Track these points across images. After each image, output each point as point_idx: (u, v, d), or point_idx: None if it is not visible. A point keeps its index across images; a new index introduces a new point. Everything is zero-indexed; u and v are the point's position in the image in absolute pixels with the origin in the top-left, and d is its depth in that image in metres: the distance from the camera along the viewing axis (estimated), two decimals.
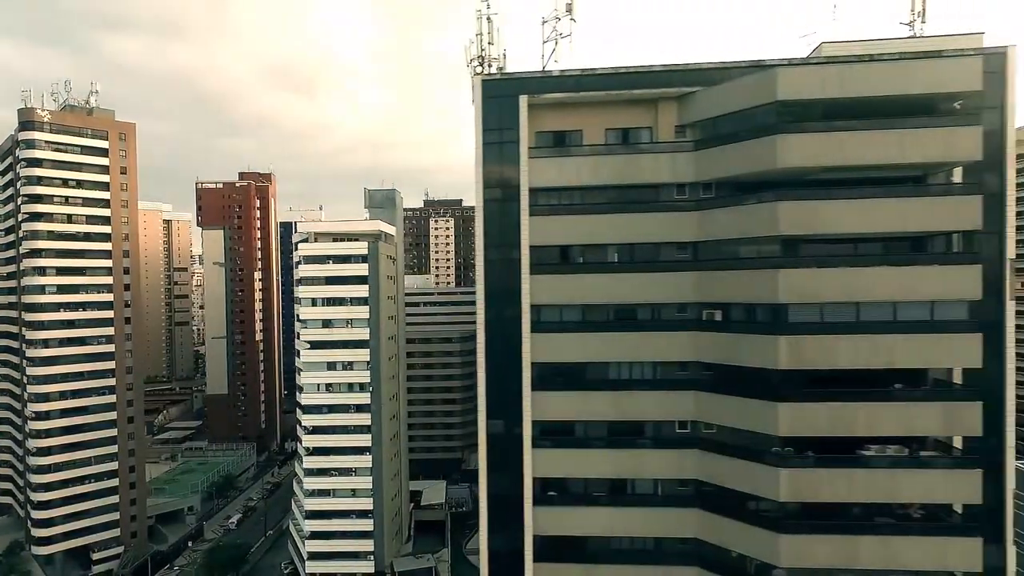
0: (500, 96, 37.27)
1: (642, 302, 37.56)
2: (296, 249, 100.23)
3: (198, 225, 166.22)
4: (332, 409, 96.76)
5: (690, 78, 36.28)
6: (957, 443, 35.44)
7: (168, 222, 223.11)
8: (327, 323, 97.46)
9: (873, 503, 34.17)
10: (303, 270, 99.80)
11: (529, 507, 37.54)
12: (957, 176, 35.63)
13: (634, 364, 37.90)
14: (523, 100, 36.92)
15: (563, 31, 38.58)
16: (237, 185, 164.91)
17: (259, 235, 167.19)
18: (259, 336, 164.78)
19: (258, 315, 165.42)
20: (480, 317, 37.76)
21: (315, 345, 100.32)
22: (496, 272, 37.68)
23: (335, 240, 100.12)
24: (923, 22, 43.04)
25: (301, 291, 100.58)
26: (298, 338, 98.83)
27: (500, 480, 37.76)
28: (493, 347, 37.71)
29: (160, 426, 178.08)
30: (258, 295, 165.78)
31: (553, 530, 37.94)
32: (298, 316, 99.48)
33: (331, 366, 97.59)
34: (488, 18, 38.90)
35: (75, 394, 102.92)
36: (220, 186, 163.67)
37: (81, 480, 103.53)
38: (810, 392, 33.33)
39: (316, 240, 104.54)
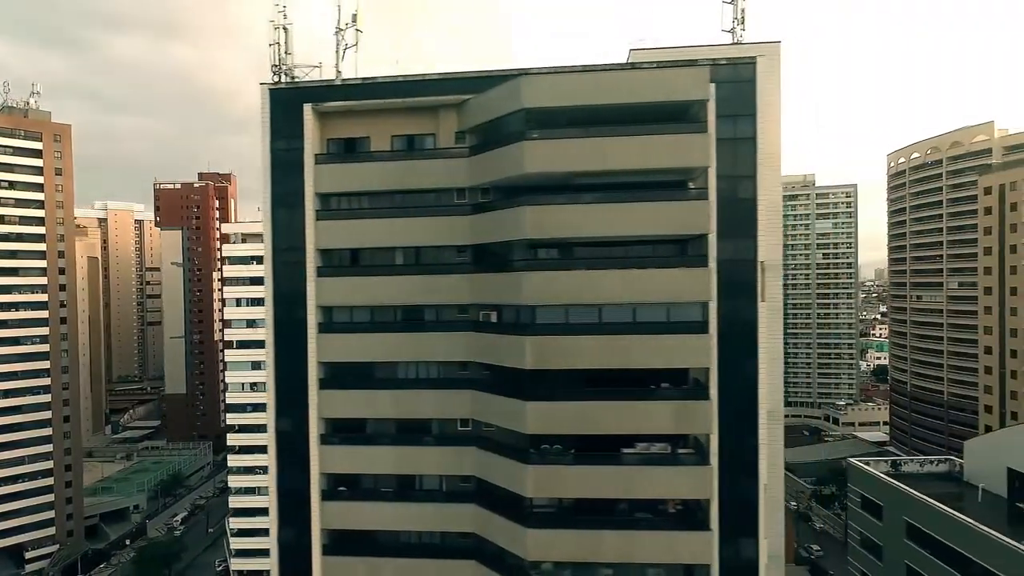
0: (287, 104, 38.47)
1: (426, 303, 38.67)
2: (220, 250, 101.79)
3: (156, 226, 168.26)
4: (256, 408, 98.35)
5: (465, 86, 37.35)
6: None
7: (140, 222, 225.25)
8: (251, 323, 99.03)
9: (636, 499, 35.19)
10: (227, 271, 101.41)
11: (316, 502, 38.74)
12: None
13: (420, 364, 39.06)
14: (307, 108, 38.10)
15: (350, 41, 39.77)
16: (195, 185, 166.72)
17: (218, 235, 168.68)
18: (217, 336, 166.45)
19: (217, 315, 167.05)
20: (269, 319, 38.98)
21: (241, 344, 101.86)
22: (285, 274, 38.90)
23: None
24: (743, 29, 44.24)
25: (226, 291, 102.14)
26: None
27: (291, 476, 38.96)
28: (281, 347, 38.93)
29: (123, 425, 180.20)
30: (216, 295, 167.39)
31: (340, 524, 39.16)
32: (223, 316, 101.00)
33: (255, 365, 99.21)
34: (284, 28, 40.09)
35: (7, 394, 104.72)
36: (178, 187, 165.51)
37: (13, 480, 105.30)
38: (559, 391, 34.42)
39: (244, 240, 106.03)
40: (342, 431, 39.56)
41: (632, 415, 33.89)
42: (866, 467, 55.06)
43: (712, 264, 34.93)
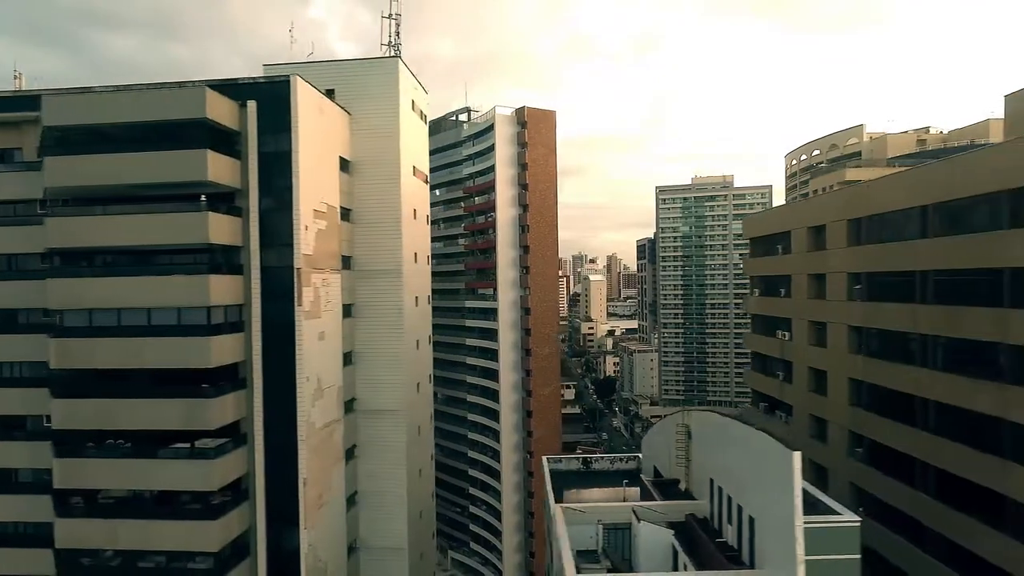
0: None
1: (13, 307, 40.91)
2: None
3: None
4: None
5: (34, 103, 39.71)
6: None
7: None
8: None
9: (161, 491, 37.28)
10: None
11: None
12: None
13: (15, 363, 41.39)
14: None
15: None
16: None
17: None
18: None
19: None
20: None
21: None
22: None
23: None
24: (397, 53, 47.00)
25: None
26: None
27: None
28: None
29: None
30: None
31: None
32: None
33: None
34: None
35: None
36: None
37: None
38: (86, 389, 36.88)
39: None
40: None
41: (152, 413, 36.24)
42: (557, 464, 57.11)
43: (255, 272, 37.56)
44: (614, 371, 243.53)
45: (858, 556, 23.90)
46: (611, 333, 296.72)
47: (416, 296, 50.99)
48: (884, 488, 33.01)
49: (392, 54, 48.60)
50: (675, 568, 28.83)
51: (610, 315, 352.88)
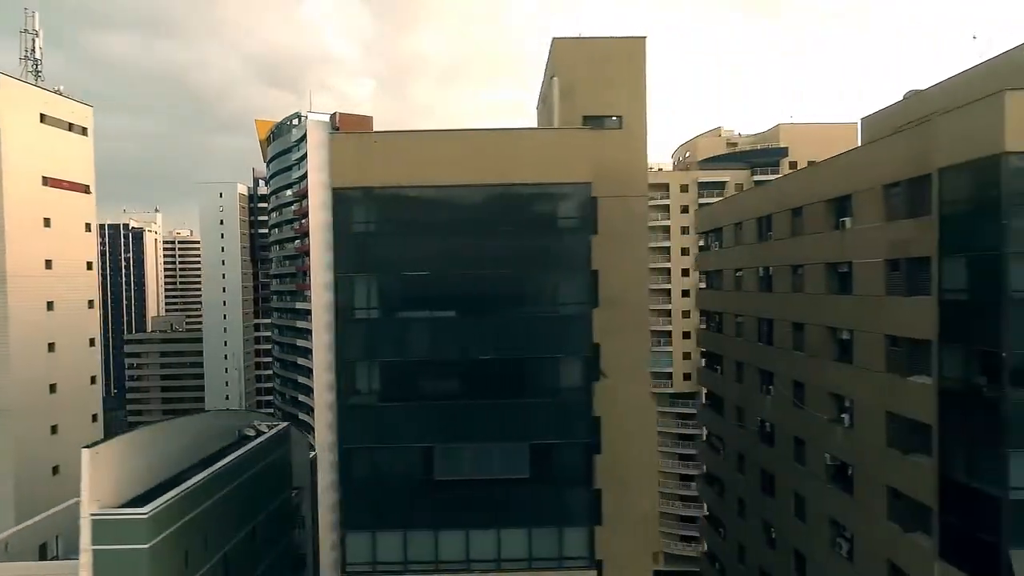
0: None
1: None
2: None
3: None
4: None
5: None
6: None
7: None
8: None
9: None
10: None
11: None
12: None
13: None
14: None
15: None
16: None
17: None
18: None
19: None
20: None
21: None
22: None
23: None
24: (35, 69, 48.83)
25: None
26: None
27: None
28: None
29: None
30: None
31: None
32: None
33: None
34: None
35: None
36: None
37: None
38: None
39: None
40: None
41: None
42: None
43: None
44: None
45: (147, 546, 25.53)
46: None
47: (51, 301, 52.69)
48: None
49: (32, 69, 50.26)
50: None
51: None
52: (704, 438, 63.51)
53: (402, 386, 28.47)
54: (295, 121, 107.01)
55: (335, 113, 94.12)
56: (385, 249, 28.08)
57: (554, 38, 32.93)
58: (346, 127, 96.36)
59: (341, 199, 27.69)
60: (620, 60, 32.85)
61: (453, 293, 28.37)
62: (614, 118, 32.85)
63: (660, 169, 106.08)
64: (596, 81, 32.65)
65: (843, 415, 34.55)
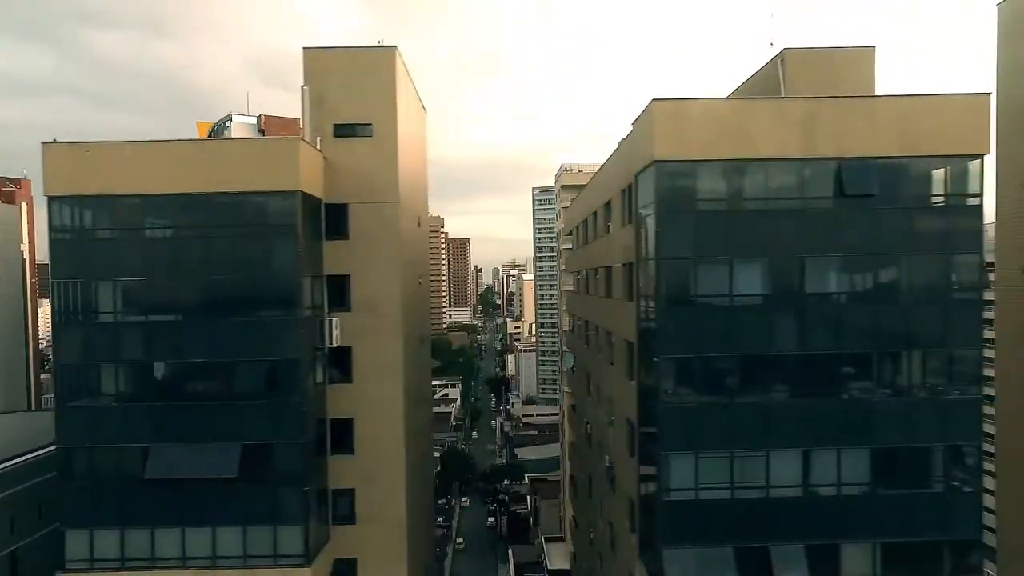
0: None
1: None
2: None
3: None
4: None
5: None
6: None
7: None
8: None
9: None
10: None
11: None
12: None
13: None
14: None
15: None
16: None
17: None
18: None
19: None
20: None
21: None
22: None
23: None
24: None
25: None
26: None
27: None
28: None
29: None
30: None
31: None
32: None
33: None
34: None
35: None
36: None
37: None
38: None
39: None
40: None
41: None
42: None
43: None
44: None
45: None
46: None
47: None
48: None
49: None
50: None
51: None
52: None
53: (118, 388, 29.13)
54: (228, 123, 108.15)
55: (260, 115, 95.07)
56: (99, 256, 28.50)
57: (304, 48, 33.26)
58: (271, 129, 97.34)
59: (56, 206, 28.48)
60: (371, 70, 33.34)
61: (168, 298, 28.66)
62: (367, 126, 33.50)
63: (581, 171, 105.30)
64: (347, 90, 33.13)
65: (612, 419, 35.10)
